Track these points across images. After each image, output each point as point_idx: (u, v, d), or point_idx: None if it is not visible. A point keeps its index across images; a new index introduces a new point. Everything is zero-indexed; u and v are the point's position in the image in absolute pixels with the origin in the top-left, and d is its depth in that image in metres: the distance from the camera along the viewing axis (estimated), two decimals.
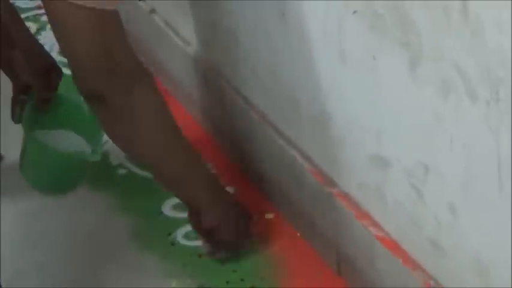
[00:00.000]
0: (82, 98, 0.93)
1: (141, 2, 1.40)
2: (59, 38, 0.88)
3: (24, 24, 1.12)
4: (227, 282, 1.03)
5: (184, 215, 1.08)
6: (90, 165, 1.06)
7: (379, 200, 0.91)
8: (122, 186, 1.24)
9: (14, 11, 1.09)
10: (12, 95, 1.08)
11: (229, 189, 1.14)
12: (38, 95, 1.05)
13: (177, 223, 1.13)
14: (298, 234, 1.10)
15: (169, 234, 1.12)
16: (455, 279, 0.81)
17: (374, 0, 0.76)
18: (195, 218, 1.01)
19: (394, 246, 0.90)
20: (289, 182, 1.09)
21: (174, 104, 1.25)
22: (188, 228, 1.09)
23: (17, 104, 1.07)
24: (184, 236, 1.11)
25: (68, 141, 1.06)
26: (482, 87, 0.63)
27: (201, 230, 1.02)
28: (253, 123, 1.13)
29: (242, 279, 1.04)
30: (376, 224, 0.93)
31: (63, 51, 0.94)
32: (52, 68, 1.08)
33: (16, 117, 1.07)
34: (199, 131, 1.31)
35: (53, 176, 1.07)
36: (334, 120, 0.94)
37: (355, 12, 0.79)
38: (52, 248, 1.12)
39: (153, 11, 1.40)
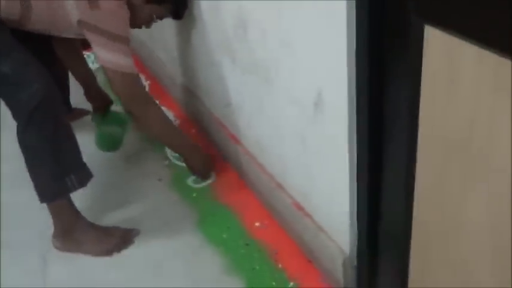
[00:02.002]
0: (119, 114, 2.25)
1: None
2: (109, 82, 1.80)
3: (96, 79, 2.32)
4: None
5: None
6: (121, 140, 2.26)
7: None
8: None
9: (89, 69, 2.31)
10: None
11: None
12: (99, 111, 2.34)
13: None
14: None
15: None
16: None
17: None
18: (186, 161, 2.05)
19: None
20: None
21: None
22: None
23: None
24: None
25: (112, 129, 2.24)
26: None
27: (189, 167, 2.06)
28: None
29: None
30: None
31: (112, 89, 1.88)
32: (106, 99, 2.34)
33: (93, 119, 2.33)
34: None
35: (109, 145, 2.25)
36: None
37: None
38: None
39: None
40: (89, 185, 1.77)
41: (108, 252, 1.78)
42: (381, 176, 1.24)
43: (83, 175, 1.75)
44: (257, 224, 1.86)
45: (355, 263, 1.45)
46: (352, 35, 1.10)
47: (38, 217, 1.84)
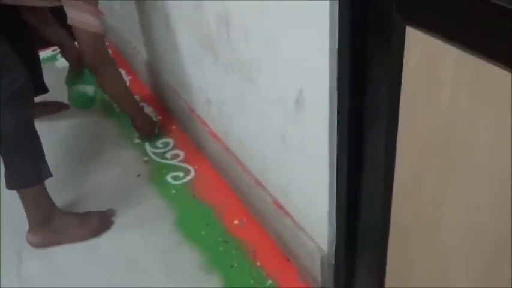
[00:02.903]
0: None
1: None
2: (77, 40, 1.94)
3: (69, 36, 2.21)
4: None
5: None
6: (94, 98, 2.46)
7: None
8: None
9: (60, 28, 2.25)
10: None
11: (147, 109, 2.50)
12: (74, 69, 2.37)
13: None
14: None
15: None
16: None
17: None
18: (133, 121, 2.28)
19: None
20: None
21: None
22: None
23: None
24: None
25: (85, 87, 2.40)
26: None
27: (135, 127, 2.29)
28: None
29: None
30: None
31: (78, 46, 2.02)
32: (80, 58, 2.19)
33: (65, 79, 2.40)
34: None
35: (81, 103, 2.45)
36: None
37: None
38: None
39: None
40: (66, 179, 1.76)
41: (93, 233, 1.81)
42: (360, 176, 1.25)
43: (47, 166, 1.79)
44: (236, 222, 1.85)
45: (333, 261, 1.46)
46: (334, 34, 1.10)
47: (11, 213, 1.82)
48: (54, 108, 2.51)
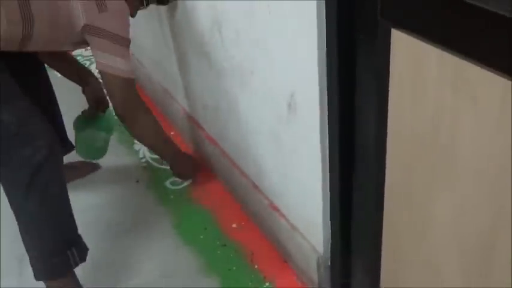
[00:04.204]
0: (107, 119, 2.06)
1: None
2: (105, 86, 1.71)
3: (93, 74, 2.04)
4: None
5: None
6: (106, 148, 2.09)
7: None
8: None
9: (82, 65, 2.07)
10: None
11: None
12: (89, 112, 2.04)
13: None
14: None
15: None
16: None
17: None
18: (173, 169, 2.01)
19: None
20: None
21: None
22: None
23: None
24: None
25: (96, 134, 2.04)
26: None
27: (175, 172, 2.03)
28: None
29: None
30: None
31: (107, 93, 1.76)
32: (103, 101, 2.02)
33: (74, 122, 2.03)
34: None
35: (91, 153, 2.10)
36: None
37: None
38: None
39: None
40: None
41: None
42: (352, 176, 1.26)
43: (82, 247, 1.60)
44: (234, 225, 1.87)
45: (328, 262, 1.47)
46: (322, 36, 1.11)
47: (12, 220, 1.83)
48: (84, 171, 2.19)
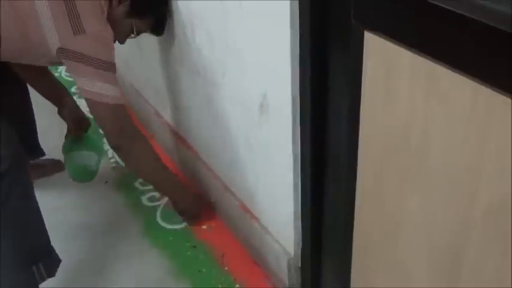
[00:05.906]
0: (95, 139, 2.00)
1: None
2: (93, 115, 1.56)
3: (69, 93, 1.95)
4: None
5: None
6: (96, 171, 1.99)
7: None
8: None
9: (60, 84, 1.93)
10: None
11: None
12: (73, 133, 1.93)
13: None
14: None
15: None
16: None
17: None
18: (173, 204, 1.83)
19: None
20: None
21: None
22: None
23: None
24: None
25: (87, 156, 1.96)
26: None
27: (176, 210, 1.84)
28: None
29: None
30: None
31: (96, 122, 1.60)
32: (83, 120, 1.93)
33: (63, 147, 1.93)
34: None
35: (82, 175, 1.98)
36: None
37: None
38: None
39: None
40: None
41: None
42: (323, 178, 1.27)
43: (52, 261, 1.50)
44: (204, 226, 1.86)
45: (299, 264, 1.47)
46: (295, 37, 1.12)
47: None
48: (50, 169, 2.11)
